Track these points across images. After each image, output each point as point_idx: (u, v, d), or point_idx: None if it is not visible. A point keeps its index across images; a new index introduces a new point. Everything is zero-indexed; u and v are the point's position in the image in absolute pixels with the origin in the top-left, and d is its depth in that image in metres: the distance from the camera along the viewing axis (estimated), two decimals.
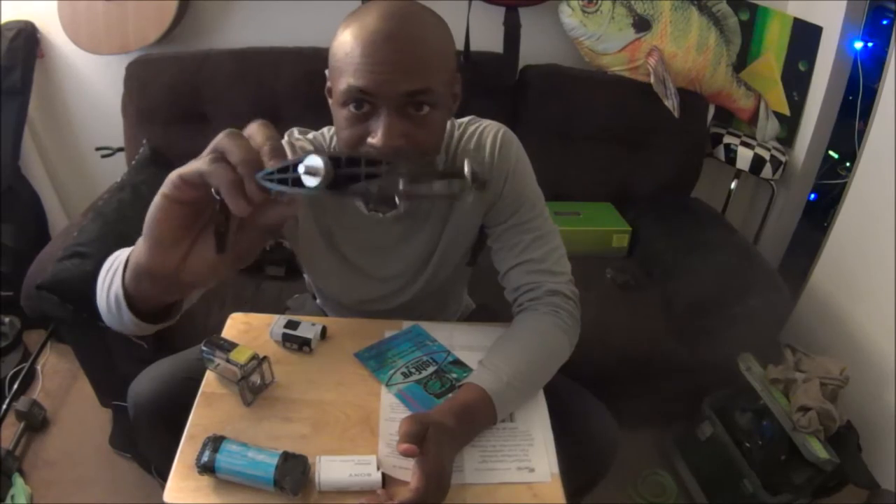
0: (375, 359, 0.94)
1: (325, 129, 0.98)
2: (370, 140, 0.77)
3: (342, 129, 0.80)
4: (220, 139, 0.48)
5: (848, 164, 2.13)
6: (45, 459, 1.60)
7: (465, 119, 0.98)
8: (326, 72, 0.83)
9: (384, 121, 0.75)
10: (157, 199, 0.51)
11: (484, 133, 0.95)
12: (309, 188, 0.45)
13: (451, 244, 1.00)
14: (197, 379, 0.89)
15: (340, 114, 0.79)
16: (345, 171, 0.45)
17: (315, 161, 0.44)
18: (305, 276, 1.16)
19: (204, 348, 0.86)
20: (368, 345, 0.96)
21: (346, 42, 0.76)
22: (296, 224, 0.97)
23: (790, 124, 1.98)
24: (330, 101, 0.84)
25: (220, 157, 0.48)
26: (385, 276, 1.03)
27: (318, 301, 1.21)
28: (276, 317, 0.97)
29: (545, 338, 0.93)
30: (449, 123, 0.96)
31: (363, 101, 0.76)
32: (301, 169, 0.45)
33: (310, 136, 0.96)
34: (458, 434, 0.79)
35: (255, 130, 0.49)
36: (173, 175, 0.50)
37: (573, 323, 0.96)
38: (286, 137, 0.95)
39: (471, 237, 1.02)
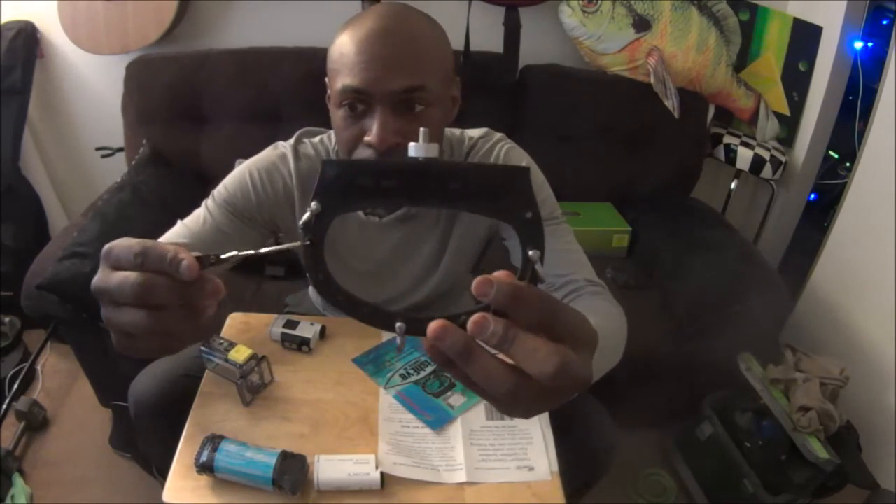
0: (373, 363, 0.94)
1: (327, 136, 0.97)
2: (366, 139, 0.77)
3: (340, 129, 0.80)
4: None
5: (848, 164, 2.13)
6: (45, 459, 1.60)
7: (478, 133, 0.97)
8: (326, 80, 0.83)
9: (378, 118, 0.75)
10: None
11: (495, 147, 0.95)
12: None
13: (458, 250, 0.99)
14: (197, 376, 0.89)
15: (338, 115, 0.80)
16: None
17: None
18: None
19: (203, 348, 0.86)
20: (367, 346, 0.96)
21: (341, 44, 0.77)
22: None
23: (790, 124, 1.98)
24: (330, 107, 0.84)
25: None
26: (392, 282, 1.03)
27: (320, 304, 1.20)
28: (275, 316, 0.98)
29: (607, 307, 0.84)
30: (459, 132, 0.96)
31: (358, 100, 0.76)
32: None
33: (315, 139, 0.96)
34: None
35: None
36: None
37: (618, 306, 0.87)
38: (292, 141, 0.94)
39: (478, 243, 1.02)
